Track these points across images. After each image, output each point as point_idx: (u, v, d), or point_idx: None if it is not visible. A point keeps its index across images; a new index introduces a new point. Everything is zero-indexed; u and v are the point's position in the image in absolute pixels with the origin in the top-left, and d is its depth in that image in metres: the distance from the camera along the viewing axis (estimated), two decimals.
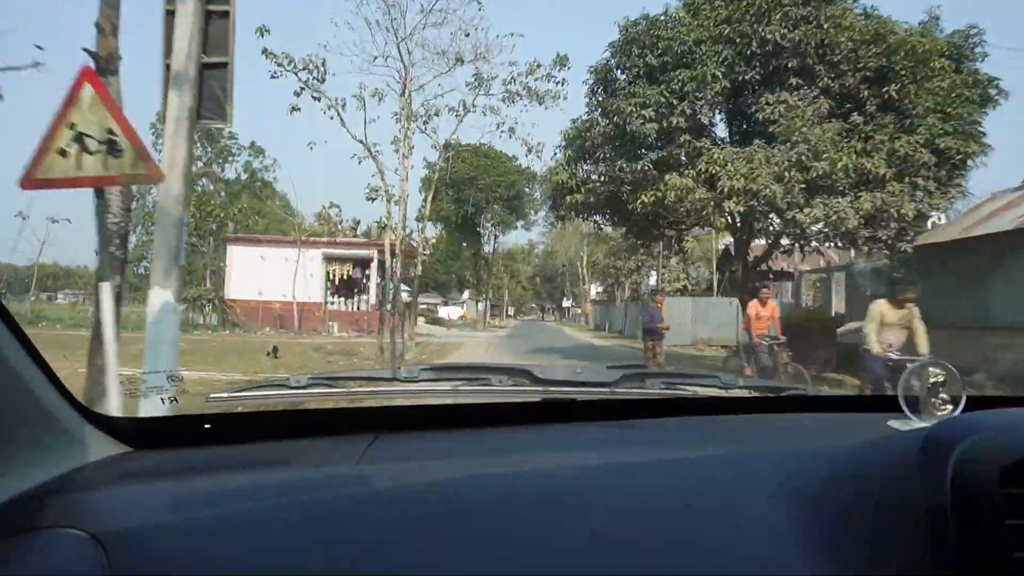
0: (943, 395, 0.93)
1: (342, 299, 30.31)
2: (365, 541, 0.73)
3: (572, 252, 71.39)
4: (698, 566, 0.70)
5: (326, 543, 0.72)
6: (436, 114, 18.14)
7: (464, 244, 44.93)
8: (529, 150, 18.34)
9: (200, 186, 37.70)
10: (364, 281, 30.79)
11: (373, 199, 18.06)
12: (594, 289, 61.53)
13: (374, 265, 30.37)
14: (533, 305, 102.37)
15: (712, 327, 23.21)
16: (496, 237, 47.24)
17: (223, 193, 40.05)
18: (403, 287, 20.85)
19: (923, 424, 0.88)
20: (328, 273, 30.29)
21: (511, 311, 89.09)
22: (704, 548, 0.72)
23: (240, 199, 38.85)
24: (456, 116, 18.52)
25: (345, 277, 29.88)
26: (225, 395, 1.16)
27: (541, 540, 0.73)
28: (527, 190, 41.15)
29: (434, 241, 51.00)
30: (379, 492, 0.83)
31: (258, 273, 28.63)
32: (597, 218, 14.92)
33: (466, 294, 68.30)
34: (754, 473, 0.85)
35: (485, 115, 18.78)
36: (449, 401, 1.26)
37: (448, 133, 19.82)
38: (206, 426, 1.05)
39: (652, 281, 36.58)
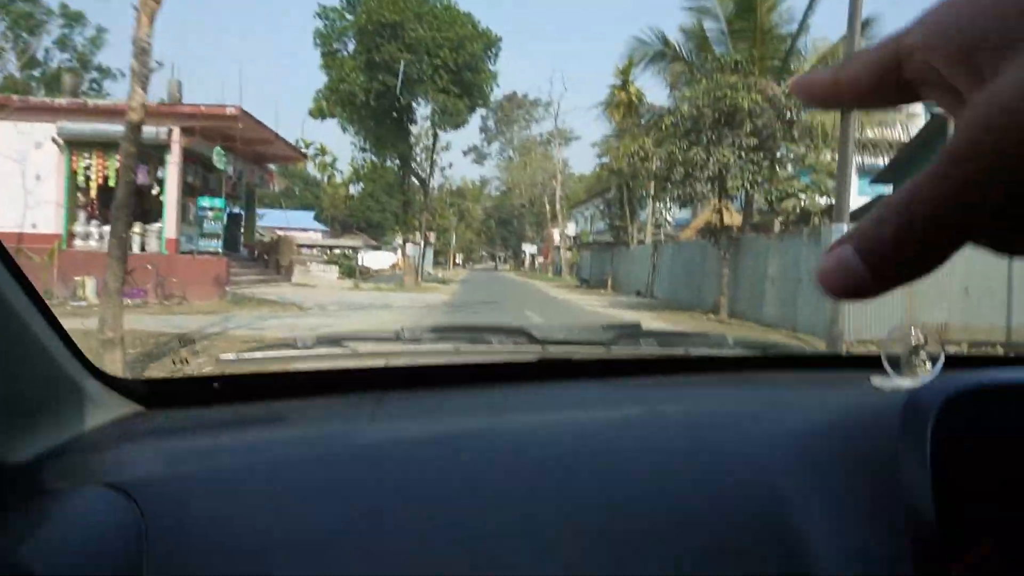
0: (921, 354, 0.98)
1: (100, 227, 14.46)
2: (379, 489, 0.76)
3: (537, 187, 56.79)
4: (691, 516, 0.73)
5: (344, 491, 0.76)
6: None
7: (383, 144, 25.05)
8: None
9: None
10: (153, 191, 14.98)
11: None
12: (569, 229, 46.97)
13: (173, 158, 14.56)
14: (484, 253, 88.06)
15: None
16: (436, 135, 27.37)
17: None
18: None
19: (904, 381, 0.94)
20: (74, 172, 14.51)
21: (459, 259, 74.57)
22: (698, 499, 0.75)
23: None
24: None
25: (108, 182, 14.03)
26: (233, 356, 1.20)
27: (544, 493, 0.75)
28: (486, 59, 23.84)
29: (359, 165, 35.22)
30: (389, 445, 0.87)
31: None
32: None
33: (398, 239, 53.19)
34: (746, 430, 0.88)
35: None
36: (451, 360, 1.29)
37: None
38: (215, 386, 1.08)
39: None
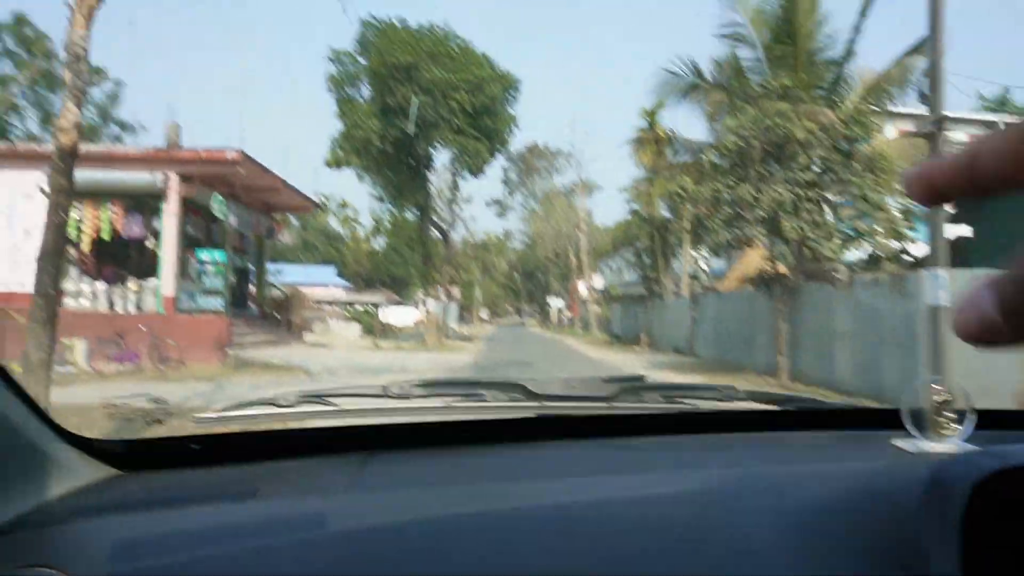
0: (948, 412, 0.91)
1: (94, 284, 13.26)
2: (361, 570, 0.73)
3: (562, 239, 55.64)
4: None
5: (324, 571, 0.73)
6: None
7: (400, 193, 23.33)
8: None
9: None
10: (147, 243, 13.86)
11: None
12: (597, 282, 45.44)
13: (170, 207, 13.46)
14: (509, 307, 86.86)
15: None
16: (455, 182, 25.24)
17: None
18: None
19: (927, 444, 0.89)
20: (67, 222, 13.30)
21: (484, 314, 73.30)
22: (704, 572, 0.71)
23: None
24: None
25: (102, 234, 12.91)
26: (213, 415, 1.15)
27: (540, 567, 0.72)
28: (505, 101, 22.06)
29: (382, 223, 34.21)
30: (372, 520, 0.82)
31: None
32: None
33: (421, 294, 52.12)
34: (757, 498, 0.83)
35: None
36: (443, 418, 1.22)
37: None
38: (194, 447, 1.04)
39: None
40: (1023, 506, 0.60)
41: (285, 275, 37.61)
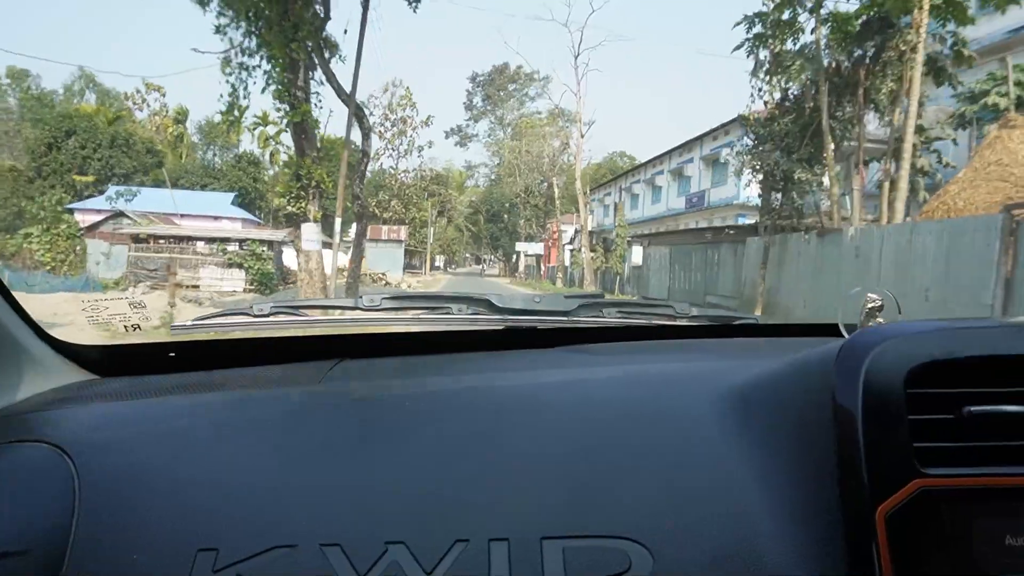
0: (880, 319, 0.97)
1: None
2: (327, 447, 0.76)
3: (538, 172, 44.45)
4: (642, 463, 0.76)
5: (288, 448, 0.76)
6: None
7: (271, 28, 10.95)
8: None
9: None
10: None
11: None
12: (590, 222, 34.82)
13: None
14: (468, 255, 75.46)
15: None
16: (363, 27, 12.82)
17: None
18: None
19: None
20: None
21: (439, 262, 61.98)
22: (647, 449, 0.78)
23: None
24: None
25: None
26: (189, 323, 1.16)
27: (499, 443, 0.78)
28: None
29: None
30: (340, 405, 0.87)
31: None
32: None
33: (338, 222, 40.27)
34: (696, 385, 0.90)
35: None
36: (411, 329, 1.27)
37: None
38: (171, 354, 1.08)
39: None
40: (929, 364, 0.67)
41: (143, 202, 25.95)
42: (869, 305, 0.97)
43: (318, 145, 12.54)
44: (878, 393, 0.66)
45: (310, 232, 12.14)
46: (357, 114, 13.33)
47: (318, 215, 12.26)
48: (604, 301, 1.37)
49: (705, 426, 0.79)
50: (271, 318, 1.18)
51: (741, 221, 20.59)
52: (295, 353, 1.11)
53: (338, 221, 13.51)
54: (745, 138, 16.18)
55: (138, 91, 45.48)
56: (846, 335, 0.88)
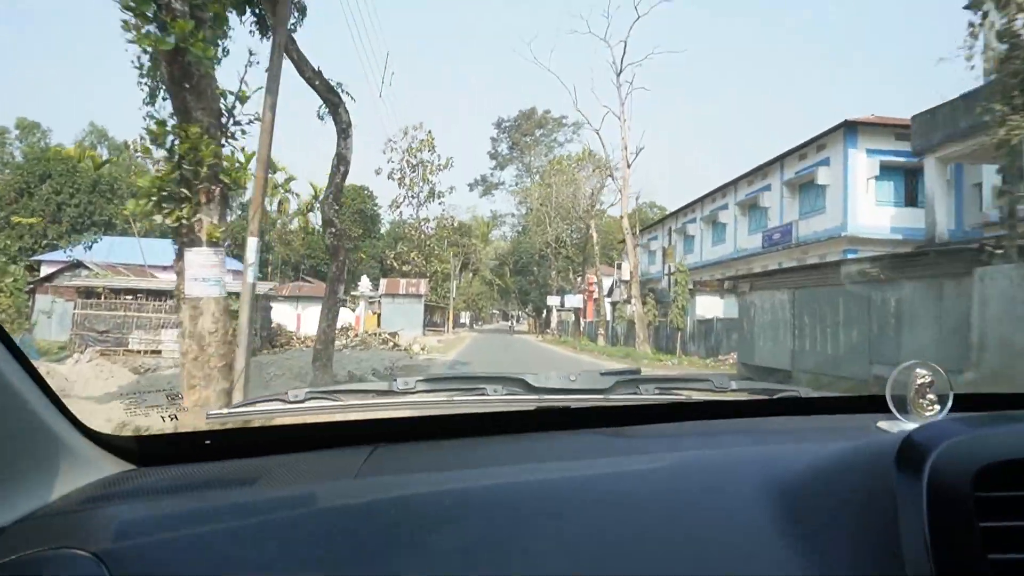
0: (930, 395, 0.94)
1: None
2: (364, 550, 0.76)
3: (573, 215, 40.40)
4: (687, 567, 0.73)
5: (327, 554, 0.75)
6: None
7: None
8: None
9: None
10: None
11: None
12: (625, 270, 30.58)
13: None
14: (495, 310, 71.28)
15: None
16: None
17: None
18: None
19: (910, 425, 0.91)
20: None
21: (464, 318, 57.64)
22: (692, 550, 0.75)
23: None
24: None
25: None
26: (225, 411, 1.18)
27: (538, 546, 0.75)
28: None
29: None
30: (377, 503, 0.85)
31: None
32: None
33: (367, 284, 36.05)
34: (743, 476, 0.86)
35: None
36: (445, 412, 1.27)
37: None
38: (206, 442, 1.08)
39: None
40: (977, 466, 0.64)
41: (110, 254, 22.39)
42: (919, 381, 0.93)
43: (222, 109, 6.43)
44: (945, 500, 0.63)
45: (200, 262, 6.27)
46: (330, 98, 9.00)
47: (216, 232, 6.29)
48: (642, 377, 1.37)
49: (754, 527, 0.76)
50: (306, 404, 1.19)
51: (850, 256, 15.73)
52: (330, 439, 1.11)
53: (252, 242, 7.46)
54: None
55: (142, 138, 42.92)
56: (895, 411, 0.87)
